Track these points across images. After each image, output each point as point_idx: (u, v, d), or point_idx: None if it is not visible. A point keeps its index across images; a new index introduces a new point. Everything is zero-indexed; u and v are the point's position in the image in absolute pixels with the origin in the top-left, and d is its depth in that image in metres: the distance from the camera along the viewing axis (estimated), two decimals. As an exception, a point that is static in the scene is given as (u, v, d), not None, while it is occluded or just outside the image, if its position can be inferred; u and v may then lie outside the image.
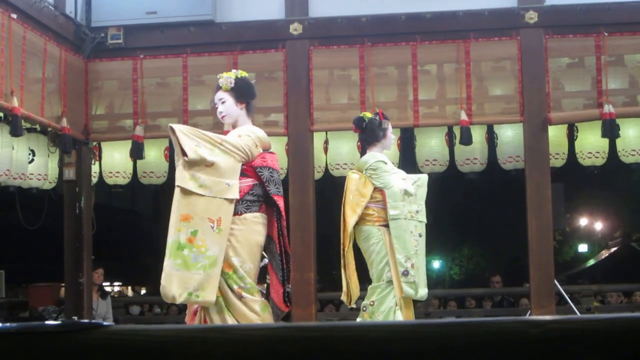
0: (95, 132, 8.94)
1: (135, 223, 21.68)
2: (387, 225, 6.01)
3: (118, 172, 9.34)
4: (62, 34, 8.47)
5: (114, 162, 9.32)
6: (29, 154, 8.66)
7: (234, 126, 5.11)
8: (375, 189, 6.05)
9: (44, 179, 8.95)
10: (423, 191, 6.31)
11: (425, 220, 6.26)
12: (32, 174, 8.74)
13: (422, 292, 6.09)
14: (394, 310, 5.89)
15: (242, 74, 5.17)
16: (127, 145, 8.93)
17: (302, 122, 8.57)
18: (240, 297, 4.77)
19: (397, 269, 5.89)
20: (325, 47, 8.69)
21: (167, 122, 8.91)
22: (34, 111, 7.68)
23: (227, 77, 5.09)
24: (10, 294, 13.10)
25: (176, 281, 4.62)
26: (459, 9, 8.55)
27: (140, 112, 8.79)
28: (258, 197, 4.91)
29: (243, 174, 4.86)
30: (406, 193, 6.05)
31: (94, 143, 9.13)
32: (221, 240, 4.70)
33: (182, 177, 4.71)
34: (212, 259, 4.65)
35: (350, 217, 6.00)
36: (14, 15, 7.40)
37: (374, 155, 6.17)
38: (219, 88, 5.13)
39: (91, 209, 9.01)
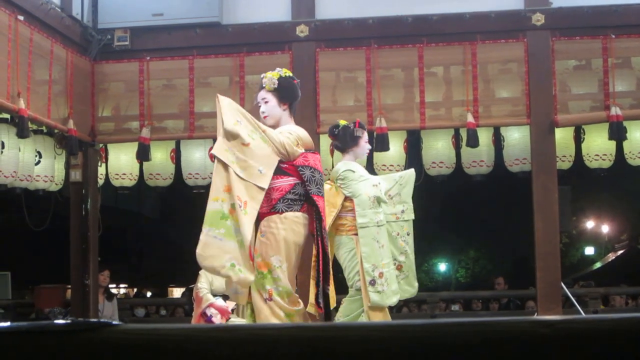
0: (101, 134, 8.95)
1: (142, 225, 21.73)
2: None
3: (124, 174, 9.35)
4: (69, 35, 8.48)
5: (120, 163, 9.33)
6: (36, 156, 8.67)
7: (275, 127, 5.00)
8: (346, 198, 6.04)
9: (50, 181, 8.96)
10: (409, 189, 6.27)
11: (412, 217, 6.25)
12: (38, 175, 8.75)
13: (396, 297, 6.11)
14: (358, 317, 5.88)
15: (285, 73, 5.06)
16: (133, 147, 8.94)
17: (308, 124, 8.52)
18: (267, 300, 4.67)
19: (364, 277, 5.88)
20: (332, 49, 8.69)
21: (173, 124, 8.94)
22: (40, 113, 7.69)
23: (271, 78, 5.00)
24: (17, 296, 13.13)
25: (216, 251, 4.48)
26: (466, 11, 8.55)
27: (147, 113, 8.80)
28: (300, 196, 4.83)
29: (285, 173, 4.81)
30: (378, 200, 6.02)
31: (100, 145, 9.14)
32: (248, 222, 4.53)
33: (219, 147, 4.63)
34: (241, 237, 4.52)
35: None
36: (21, 17, 7.41)
37: (344, 163, 6.17)
38: (262, 87, 5.04)
39: (97, 210, 9.02)
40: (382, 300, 5.89)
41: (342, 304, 6.13)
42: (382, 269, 5.91)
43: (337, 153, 8.75)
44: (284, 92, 5.01)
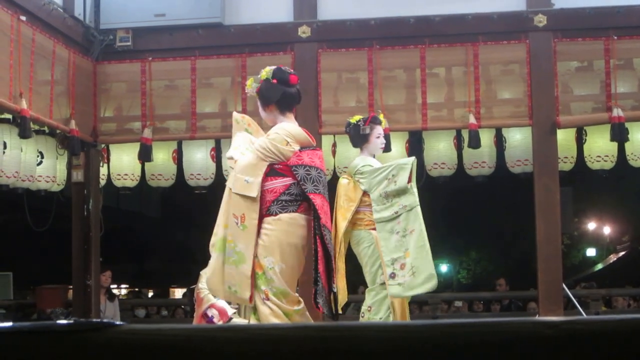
0: (103, 135, 8.96)
1: (143, 225, 21.72)
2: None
3: (126, 175, 9.34)
4: (71, 36, 8.49)
5: (122, 164, 9.33)
6: (38, 156, 8.67)
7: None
8: (365, 192, 6.04)
9: (52, 181, 8.96)
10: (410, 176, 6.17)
11: (417, 202, 6.00)
12: (40, 176, 8.75)
13: (429, 284, 6.01)
14: (390, 316, 5.88)
15: (265, 75, 5.00)
16: (135, 148, 8.95)
17: (310, 125, 8.52)
18: (265, 300, 4.71)
19: (385, 271, 5.89)
20: (334, 50, 8.69)
21: (175, 124, 8.94)
22: (42, 113, 7.70)
23: (248, 89, 5.06)
24: (18, 296, 13.14)
25: (218, 277, 4.73)
26: (468, 12, 8.55)
27: (149, 114, 8.80)
28: (296, 196, 4.82)
29: (279, 174, 4.82)
30: (388, 193, 6.00)
31: (102, 145, 9.14)
32: (247, 237, 4.68)
33: (230, 177, 4.91)
34: (240, 254, 4.68)
35: (341, 222, 6.01)
36: (23, 18, 7.42)
37: (362, 159, 6.18)
38: None
39: (99, 211, 9.02)
40: (404, 292, 5.89)
41: (366, 297, 6.07)
42: (402, 260, 5.88)
43: (342, 149, 8.83)
44: (262, 97, 5.03)
